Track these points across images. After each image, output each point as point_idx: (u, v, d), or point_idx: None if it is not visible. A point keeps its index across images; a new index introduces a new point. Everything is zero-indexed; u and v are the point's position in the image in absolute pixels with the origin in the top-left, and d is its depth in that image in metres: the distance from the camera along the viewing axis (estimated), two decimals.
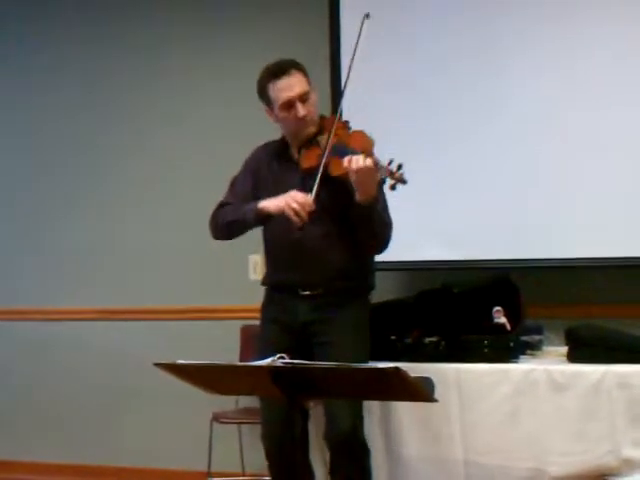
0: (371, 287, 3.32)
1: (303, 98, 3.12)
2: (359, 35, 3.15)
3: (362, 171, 2.92)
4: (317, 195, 3.00)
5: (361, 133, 3.14)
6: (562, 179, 3.78)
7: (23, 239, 5.12)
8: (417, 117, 3.97)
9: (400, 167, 2.92)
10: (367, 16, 3.15)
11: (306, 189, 3.05)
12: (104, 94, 4.96)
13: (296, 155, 3.22)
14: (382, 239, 3.17)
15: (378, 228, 3.12)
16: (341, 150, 3.05)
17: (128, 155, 4.91)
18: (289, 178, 3.19)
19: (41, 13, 5.09)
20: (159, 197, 4.82)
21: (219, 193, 3.38)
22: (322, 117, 3.24)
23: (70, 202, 5.02)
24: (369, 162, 2.91)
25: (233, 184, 3.36)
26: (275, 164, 3.26)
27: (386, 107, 3.98)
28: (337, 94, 4.02)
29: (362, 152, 2.97)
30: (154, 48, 4.86)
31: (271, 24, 4.60)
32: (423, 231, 3.86)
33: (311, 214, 3.00)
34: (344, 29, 4.09)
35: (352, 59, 3.14)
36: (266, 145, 3.36)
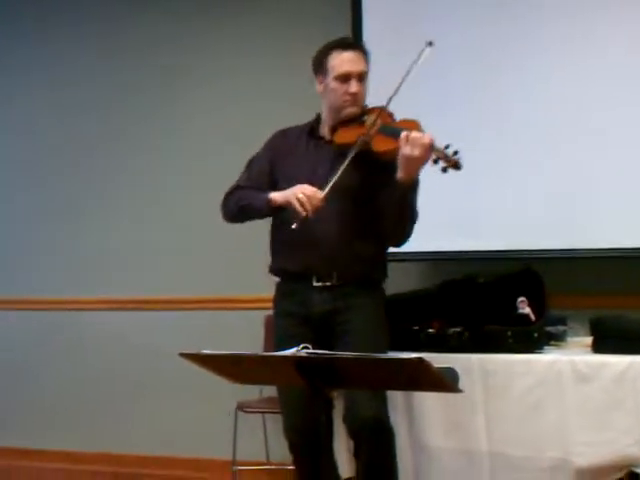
0: (384, 276, 3.29)
1: (360, 77, 3.11)
2: (417, 61, 3.06)
3: (418, 148, 2.88)
4: (339, 178, 2.97)
5: (408, 119, 3.09)
6: (587, 169, 3.76)
7: (40, 229, 5.16)
8: (442, 108, 3.95)
9: (456, 153, 2.90)
10: (430, 44, 3.06)
11: (336, 165, 3.02)
12: (118, 93, 4.98)
13: (327, 134, 3.19)
14: (405, 229, 3.12)
15: (406, 216, 3.06)
16: (390, 130, 3.02)
17: (152, 149, 4.93)
18: (320, 156, 3.17)
19: (55, 13, 5.14)
20: (181, 187, 4.84)
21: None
22: (367, 106, 3.20)
23: (91, 193, 5.05)
24: (428, 140, 2.88)
25: (249, 165, 3.34)
26: (303, 142, 3.23)
27: (415, 97, 3.96)
28: None
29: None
30: (167, 48, 4.87)
31: (291, 19, 4.59)
32: (446, 221, 3.84)
33: (318, 209, 2.96)
34: (366, 26, 4.09)
35: (402, 80, 3.05)
36: (290, 128, 3.33)
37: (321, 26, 4.35)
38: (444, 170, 2.92)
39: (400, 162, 2.93)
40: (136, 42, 4.96)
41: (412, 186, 3.00)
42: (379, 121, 3.06)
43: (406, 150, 2.89)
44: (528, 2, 3.87)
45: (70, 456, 5.00)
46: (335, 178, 2.97)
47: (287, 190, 3.06)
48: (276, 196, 3.09)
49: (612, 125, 3.71)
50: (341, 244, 3.11)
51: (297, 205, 2.97)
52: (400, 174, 2.94)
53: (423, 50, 3.07)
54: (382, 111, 3.08)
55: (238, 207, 3.23)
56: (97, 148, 5.04)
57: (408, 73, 3.04)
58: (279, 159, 3.26)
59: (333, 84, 3.13)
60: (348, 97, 3.11)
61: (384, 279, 3.30)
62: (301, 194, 2.97)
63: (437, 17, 4.00)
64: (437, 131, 3.70)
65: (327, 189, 2.97)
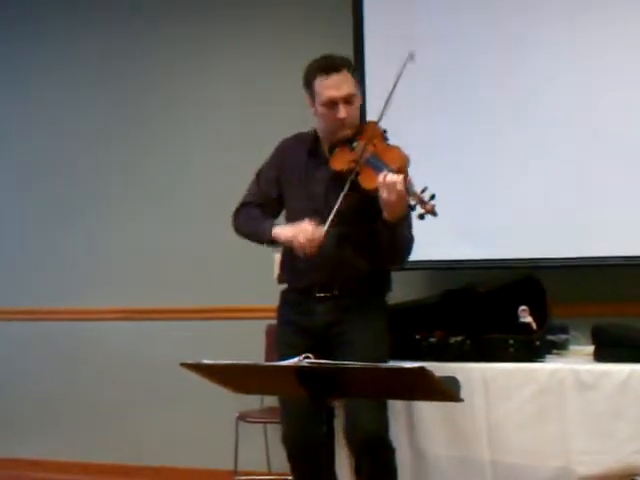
0: (388, 289, 3.31)
1: (347, 100, 3.07)
2: (399, 74, 3.04)
3: (394, 194, 2.87)
4: (335, 215, 3.00)
5: (397, 149, 3.09)
6: (588, 177, 3.76)
7: (44, 238, 5.17)
8: (442, 113, 3.96)
9: (433, 197, 2.85)
10: (411, 57, 3.04)
11: (332, 190, 3.05)
12: (121, 94, 5.00)
13: (327, 152, 3.19)
14: (401, 255, 3.15)
15: (399, 245, 3.09)
16: (375, 163, 3.01)
17: (156, 155, 4.94)
18: (318, 175, 3.18)
19: (58, 13, 5.15)
20: (182, 196, 4.85)
21: (241, 191, 3.39)
22: (361, 122, 3.19)
23: (95, 201, 5.06)
24: (401, 187, 2.86)
25: (257, 178, 3.36)
26: (305, 158, 3.24)
27: (410, 104, 3.97)
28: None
29: (397, 171, 2.93)
30: (168, 49, 4.89)
31: (293, 24, 4.62)
32: (447, 230, 3.83)
33: (320, 246, 3.00)
34: (368, 29, 4.10)
35: (390, 94, 3.04)
36: (296, 137, 3.33)
37: (323, 29, 4.41)
38: (421, 217, 2.88)
39: (381, 204, 2.94)
40: (135, 43, 4.97)
41: (400, 222, 3.00)
42: (368, 149, 3.04)
43: (384, 194, 2.90)
44: (524, 4, 3.88)
45: (68, 467, 5.00)
46: (332, 215, 3.00)
47: (289, 229, 3.10)
48: (279, 234, 3.13)
49: (616, 133, 3.71)
50: (341, 264, 3.14)
51: (298, 248, 3.03)
52: (385, 214, 2.96)
53: (404, 64, 3.05)
54: (372, 136, 3.07)
55: (244, 233, 3.31)
56: (97, 155, 5.05)
57: (393, 89, 3.04)
58: (284, 173, 3.28)
59: (321, 109, 3.12)
60: (338, 122, 3.10)
61: (387, 292, 3.31)
62: (302, 236, 3.01)
63: (435, 19, 4.02)
64: (438, 138, 3.72)
65: (327, 225, 3.01)
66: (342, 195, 3.01)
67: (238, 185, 3.41)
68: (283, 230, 3.13)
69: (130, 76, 4.98)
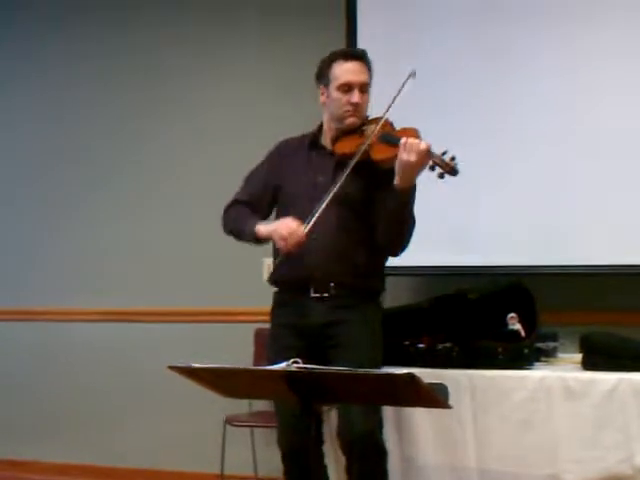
0: (382, 289, 3.30)
1: (362, 88, 3.13)
2: (400, 89, 3.10)
3: (414, 154, 2.90)
4: (338, 191, 3.00)
5: (408, 128, 3.10)
6: (579, 184, 3.77)
7: (33, 239, 5.14)
8: (431, 120, 3.96)
9: (454, 159, 2.92)
10: (413, 75, 3.10)
11: (336, 175, 3.06)
12: (121, 90, 4.97)
13: (328, 144, 3.21)
14: (404, 237, 3.12)
15: (404, 222, 3.07)
16: (388, 137, 3.04)
17: (144, 155, 4.92)
18: (322, 165, 3.18)
19: (58, 14, 5.14)
20: (173, 198, 4.83)
21: (233, 192, 3.37)
22: (368, 117, 3.22)
23: (82, 202, 5.04)
24: (425, 146, 2.91)
25: (249, 177, 3.36)
26: (304, 153, 3.25)
27: (401, 108, 3.98)
28: None
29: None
30: (161, 49, 4.88)
31: (285, 28, 4.61)
32: (438, 237, 3.84)
33: (301, 244, 3.01)
34: (360, 33, 4.10)
35: (387, 109, 3.10)
36: (292, 139, 3.34)
37: (316, 31, 4.40)
38: (441, 176, 2.94)
39: (397, 168, 2.95)
40: (134, 42, 4.95)
41: (410, 193, 3.02)
42: (379, 130, 3.08)
43: (403, 156, 2.93)
44: (518, 9, 3.89)
45: (56, 468, 4.97)
46: (320, 210, 3.01)
47: (271, 225, 3.13)
48: (261, 230, 3.15)
49: (605, 141, 3.71)
50: (339, 253, 3.12)
51: (279, 243, 3.05)
52: (397, 180, 2.97)
53: (406, 80, 3.10)
54: (382, 120, 3.10)
55: (229, 230, 3.32)
56: (84, 155, 5.03)
57: (392, 102, 3.09)
58: (280, 172, 3.27)
59: (335, 94, 3.15)
60: (349, 107, 3.13)
61: (382, 292, 3.30)
62: (284, 231, 3.02)
63: (430, 25, 4.03)
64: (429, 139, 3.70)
65: (310, 223, 3.01)
66: (346, 173, 3.01)
67: (228, 186, 3.40)
68: (265, 225, 3.15)
69: (130, 71, 4.95)
